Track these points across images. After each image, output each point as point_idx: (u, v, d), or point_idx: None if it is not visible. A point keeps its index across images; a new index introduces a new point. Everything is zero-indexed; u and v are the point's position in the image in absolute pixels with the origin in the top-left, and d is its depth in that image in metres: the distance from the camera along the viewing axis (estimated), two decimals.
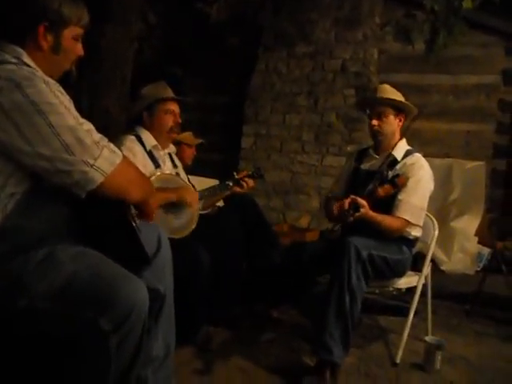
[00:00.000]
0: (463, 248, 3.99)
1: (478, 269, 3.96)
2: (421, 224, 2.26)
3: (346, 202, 2.06)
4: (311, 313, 2.23)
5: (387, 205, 2.19)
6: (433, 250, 2.37)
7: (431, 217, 2.43)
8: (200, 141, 3.34)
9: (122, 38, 3.13)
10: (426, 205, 2.25)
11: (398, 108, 2.32)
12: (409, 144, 2.41)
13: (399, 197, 2.20)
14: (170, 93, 2.43)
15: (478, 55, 4.63)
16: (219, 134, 5.27)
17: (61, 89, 1.23)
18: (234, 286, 2.46)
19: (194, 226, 2.29)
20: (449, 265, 3.95)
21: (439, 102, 4.77)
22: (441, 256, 3.98)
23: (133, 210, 1.39)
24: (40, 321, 1.20)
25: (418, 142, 4.60)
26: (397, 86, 2.41)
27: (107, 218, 1.30)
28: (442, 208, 4.04)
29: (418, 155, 2.32)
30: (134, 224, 1.32)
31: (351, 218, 2.04)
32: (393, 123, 2.32)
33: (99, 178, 1.21)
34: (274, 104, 5.00)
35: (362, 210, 2.05)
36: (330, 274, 2.04)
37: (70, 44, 1.36)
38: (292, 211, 4.86)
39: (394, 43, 4.79)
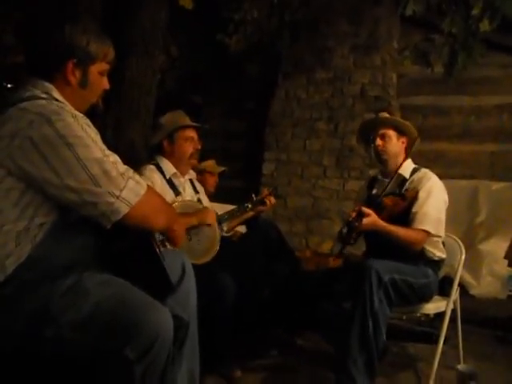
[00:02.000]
0: (492, 271, 3.89)
1: (510, 293, 3.85)
2: (441, 235, 2.23)
3: (352, 212, 2.08)
4: (335, 339, 2.20)
5: (403, 222, 2.17)
6: (460, 273, 2.32)
7: (457, 240, 2.39)
8: (222, 169, 3.39)
9: (146, 71, 3.23)
10: (442, 216, 2.22)
11: (400, 130, 2.34)
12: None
13: (413, 210, 2.19)
14: (188, 120, 2.48)
15: (498, 76, 4.61)
16: (241, 161, 5.31)
17: (88, 122, 1.28)
18: (257, 312, 2.45)
19: (216, 250, 2.30)
20: (478, 289, 3.85)
21: (461, 123, 4.74)
22: (469, 280, 3.88)
23: (157, 238, 1.41)
24: (65, 349, 1.21)
25: (442, 164, 4.57)
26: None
27: (132, 246, 1.32)
28: (468, 231, 3.96)
29: (425, 170, 2.32)
30: (158, 252, 1.34)
31: (357, 225, 2.03)
32: (396, 144, 2.34)
33: (124, 209, 1.24)
34: (294, 130, 5.05)
35: (367, 217, 2.04)
36: (352, 299, 2.02)
37: (97, 79, 1.42)
38: (314, 236, 4.83)
39: (412, 67, 4.80)
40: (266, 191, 2.74)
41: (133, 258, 1.34)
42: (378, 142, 2.33)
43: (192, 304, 1.54)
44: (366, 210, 2.07)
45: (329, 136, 4.90)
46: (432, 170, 2.34)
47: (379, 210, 2.11)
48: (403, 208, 2.15)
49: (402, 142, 2.36)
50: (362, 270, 1.99)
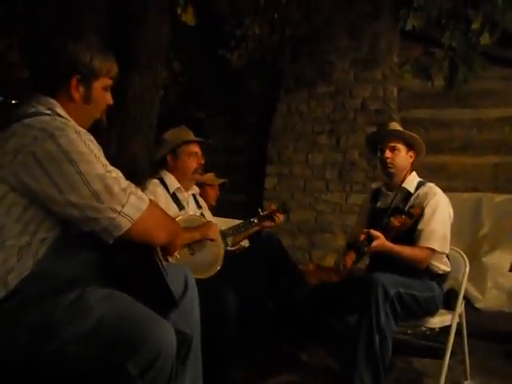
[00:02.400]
0: (497, 284, 3.86)
1: None
2: (447, 251, 2.22)
3: (361, 235, 2.07)
4: (340, 354, 2.18)
5: (409, 239, 2.17)
6: (465, 286, 2.31)
7: (461, 253, 2.39)
8: (222, 180, 3.39)
9: (149, 86, 3.25)
10: (448, 232, 2.22)
11: (409, 144, 2.34)
12: (435, 179, 2.41)
13: (418, 227, 2.18)
14: (191, 135, 2.50)
15: (499, 88, 4.63)
16: (243, 175, 5.32)
17: (91, 137, 1.28)
18: (261, 327, 2.43)
19: (219, 265, 2.30)
20: (483, 302, 3.81)
21: (462, 135, 4.75)
22: (474, 293, 3.85)
23: (160, 252, 1.41)
24: (68, 364, 1.20)
25: (445, 177, 4.56)
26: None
27: (135, 260, 1.32)
28: (472, 243, 3.94)
29: (430, 184, 2.31)
30: (161, 266, 1.34)
31: (366, 250, 2.04)
32: (404, 158, 2.33)
33: (126, 225, 1.24)
34: (296, 144, 5.06)
35: (375, 240, 2.04)
36: (358, 314, 2.01)
37: (100, 94, 1.42)
38: (317, 250, 4.81)
39: (413, 80, 4.83)
40: (273, 207, 2.75)
41: (135, 272, 1.33)
42: (388, 154, 2.32)
43: (195, 319, 1.53)
44: (374, 232, 2.07)
45: (331, 150, 4.91)
46: (434, 182, 2.34)
47: (387, 230, 2.11)
48: (409, 227, 2.15)
49: (410, 156, 2.36)
50: (368, 284, 1.99)
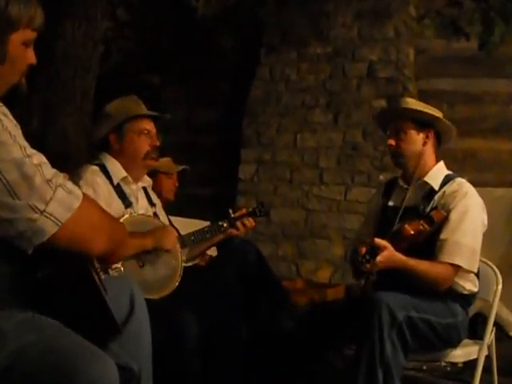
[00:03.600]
0: None
1: None
2: (475, 270, 2.26)
3: (361, 247, 2.09)
4: None
5: (426, 250, 2.20)
6: (497, 309, 2.36)
7: (493, 266, 2.43)
8: (182, 167, 3.39)
9: (85, 40, 3.22)
10: (479, 244, 2.26)
11: (420, 122, 2.35)
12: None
13: (441, 236, 2.21)
14: (143, 109, 2.49)
15: None
16: (210, 162, 5.32)
17: (5, 109, 1.26)
18: (233, 363, 2.44)
19: (177, 282, 2.31)
20: None
21: (497, 114, 4.82)
22: (508, 318, 3.94)
23: (97, 264, 1.41)
24: None
25: (473, 167, 4.64)
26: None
27: (63, 275, 1.31)
28: (507, 254, 4.02)
29: (460, 180, 2.34)
30: (98, 282, 1.33)
31: (368, 266, 2.06)
32: (415, 141, 2.35)
33: (51, 228, 1.21)
34: (281, 121, 5.07)
35: (381, 253, 2.06)
36: (357, 344, 2.04)
37: (19, 51, 1.40)
38: (308, 261, 4.84)
39: (435, 40, 4.89)
40: (245, 208, 2.76)
41: (64, 290, 1.32)
42: (390, 140, 2.36)
43: (144, 350, 1.53)
44: (380, 242, 2.09)
45: (327, 129, 4.94)
46: (461, 174, 2.38)
47: (397, 239, 2.13)
48: (429, 234, 2.18)
49: (426, 137, 2.36)
50: (370, 306, 2.01)
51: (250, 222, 2.68)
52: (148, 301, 1.59)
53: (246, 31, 5.23)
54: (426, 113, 2.33)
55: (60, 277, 1.31)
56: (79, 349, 1.23)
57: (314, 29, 5.02)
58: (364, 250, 2.09)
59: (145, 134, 2.44)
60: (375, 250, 2.07)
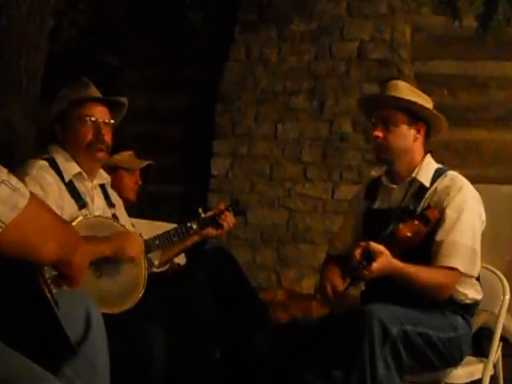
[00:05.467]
0: None
1: None
2: (475, 274, 2.28)
3: (356, 251, 2.10)
4: None
5: (423, 253, 2.22)
6: (503, 322, 2.37)
7: (498, 273, 2.46)
8: (146, 163, 3.38)
9: (30, 13, 3.19)
10: (478, 244, 2.28)
11: (414, 114, 2.36)
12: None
13: (437, 238, 2.23)
14: (91, 91, 2.49)
15: None
16: (178, 155, 5.30)
17: None
18: (203, 382, 2.44)
19: (140, 294, 2.31)
20: None
21: (504, 101, 4.87)
22: None
23: (47, 274, 1.40)
24: None
25: (476, 161, 4.68)
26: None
27: (6, 286, 1.30)
28: None
29: (452, 173, 2.37)
30: (48, 295, 1.33)
31: (365, 273, 2.07)
32: (406, 136, 2.37)
33: None
34: (259, 108, 5.07)
35: (378, 258, 2.07)
36: (344, 365, 2.04)
37: None
38: (290, 269, 4.85)
39: (433, 17, 4.92)
40: (221, 206, 2.76)
41: (7, 305, 1.31)
42: (377, 132, 2.36)
43: (101, 373, 1.53)
44: (376, 247, 2.10)
45: (311, 118, 4.96)
46: (463, 169, 2.41)
47: (392, 243, 2.16)
48: (422, 236, 2.20)
49: (417, 131, 2.38)
50: (359, 320, 2.01)
51: (228, 221, 2.70)
52: (107, 316, 1.58)
53: (218, 5, 5.21)
54: (421, 106, 2.35)
55: (3, 288, 1.30)
56: (24, 372, 1.23)
57: (296, 3, 5.02)
58: (359, 254, 2.10)
59: (88, 122, 2.43)
60: (371, 256, 2.09)
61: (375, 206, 2.47)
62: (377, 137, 2.36)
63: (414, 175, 2.38)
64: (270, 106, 5.05)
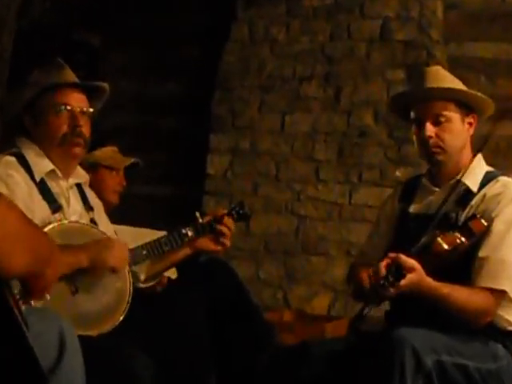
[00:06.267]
0: None
1: None
2: None
3: (382, 264, 2.10)
4: None
5: (461, 269, 2.22)
6: None
7: None
8: (131, 160, 3.38)
9: None
10: None
11: (465, 104, 2.37)
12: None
13: (480, 254, 2.23)
14: (66, 75, 2.49)
15: None
16: (169, 151, 5.31)
17: None
18: None
19: (123, 313, 2.31)
20: None
21: None
22: None
23: (15, 290, 1.39)
24: None
25: None
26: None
27: None
28: None
29: (505, 179, 2.38)
30: (17, 313, 1.32)
31: (391, 291, 2.07)
32: (461, 131, 2.38)
33: None
34: (264, 97, 5.08)
35: (408, 275, 2.07)
36: None
37: None
38: (299, 286, 4.85)
39: None
40: (221, 210, 2.76)
41: None
42: (430, 129, 2.34)
43: None
44: (407, 261, 2.10)
45: (325, 108, 4.96)
46: (505, 169, 2.40)
47: (426, 256, 2.15)
48: (464, 250, 2.19)
49: (470, 125, 2.40)
50: (389, 347, 2.02)
51: (227, 227, 2.68)
52: (84, 339, 1.57)
53: None
54: (477, 96, 2.36)
55: None
56: None
57: None
58: (385, 268, 2.10)
59: (64, 111, 2.43)
60: (400, 270, 2.08)
61: (411, 210, 2.47)
62: (430, 136, 2.35)
63: (459, 177, 2.38)
64: (277, 93, 5.05)
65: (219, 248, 2.70)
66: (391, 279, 2.07)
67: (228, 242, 2.70)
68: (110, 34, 5.50)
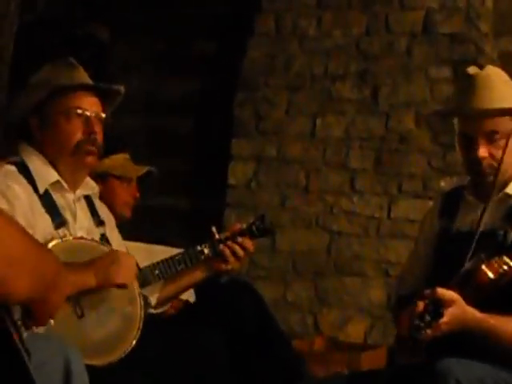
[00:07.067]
0: None
1: None
2: None
3: (419, 303, 2.09)
4: None
5: (509, 298, 2.20)
6: None
7: None
8: (145, 169, 3.40)
9: None
10: None
11: None
12: None
13: None
14: (79, 77, 2.50)
15: None
16: (186, 159, 5.33)
17: None
18: None
19: (134, 341, 2.31)
20: None
21: None
22: None
23: (16, 315, 1.40)
24: None
25: None
26: None
27: None
28: None
29: None
30: (18, 342, 1.33)
31: (427, 333, 2.06)
32: None
33: None
34: (291, 97, 5.09)
35: (449, 309, 2.07)
36: None
37: None
38: (332, 310, 4.85)
39: None
40: (238, 225, 2.75)
41: None
42: (483, 150, 2.32)
43: None
44: (445, 293, 2.09)
45: (361, 111, 4.96)
46: None
47: (468, 286, 2.14)
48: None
49: None
50: (432, 379, 2.02)
51: (247, 243, 2.68)
52: (91, 369, 1.58)
53: None
54: None
55: None
56: None
57: None
58: (422, 306, 2.09)
59: (77, 115, 2.45)
60: (438, 306, 2.07)
61: (453, 228, 2.47)
62: (483, 157, 2.33)
63: (507, 190, 2.38)
64: (307, 94, 5.07)
65: (229, 267, 2.68)
66: (428, 318, 2.06)
67: (238, 265, 2.70)
68: (119, 28, 5.53)
